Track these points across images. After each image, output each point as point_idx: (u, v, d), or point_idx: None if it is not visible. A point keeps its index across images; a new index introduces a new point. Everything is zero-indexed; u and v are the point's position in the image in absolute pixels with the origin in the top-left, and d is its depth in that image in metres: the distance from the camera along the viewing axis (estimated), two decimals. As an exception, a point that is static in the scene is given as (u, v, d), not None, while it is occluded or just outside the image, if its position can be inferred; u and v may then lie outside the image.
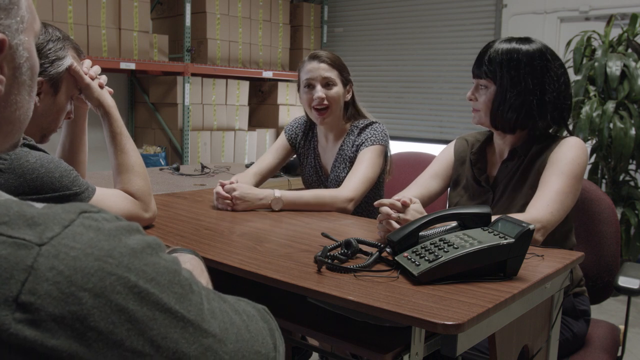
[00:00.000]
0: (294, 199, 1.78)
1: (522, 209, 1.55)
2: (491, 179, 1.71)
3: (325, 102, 1.98)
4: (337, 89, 1.99)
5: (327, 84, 1.98)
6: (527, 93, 1.58)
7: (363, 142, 1.98)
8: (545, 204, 1.49)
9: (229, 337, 0.55)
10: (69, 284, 0.46)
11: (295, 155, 2.24)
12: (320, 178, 2.15)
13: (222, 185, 1.78)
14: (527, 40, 1.62)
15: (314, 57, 2.01)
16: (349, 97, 2.05)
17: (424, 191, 1.77)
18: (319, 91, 1.97)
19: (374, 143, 1.97)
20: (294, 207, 1.78)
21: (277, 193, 1.77)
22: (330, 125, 2.07)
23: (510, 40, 1.63)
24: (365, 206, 2.07)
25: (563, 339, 1.54)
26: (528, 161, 1.63)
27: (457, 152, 1.81)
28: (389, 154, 2.07)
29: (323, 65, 1.98)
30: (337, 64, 2.01)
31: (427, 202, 1.78)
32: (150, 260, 0.51)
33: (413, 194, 1.66)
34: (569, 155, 1.55)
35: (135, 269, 0.49)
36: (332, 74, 1.98)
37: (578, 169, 1.55)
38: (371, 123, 2.04)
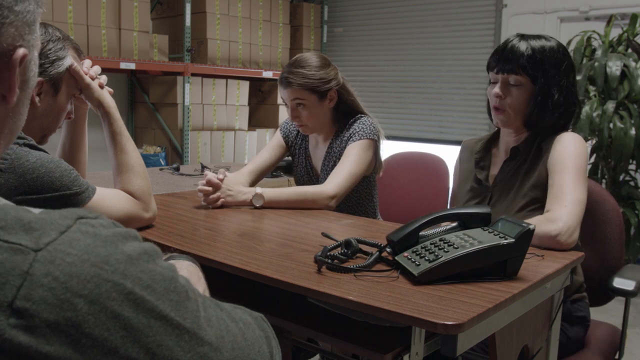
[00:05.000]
0: (275, 195, 1.77)
1: (522, 210, 1.54)
2: (491, 178, 1.69)
3: (301, 122, 1.97)
4: (310, 111, 1.94)
5: (299, 104, 1.94)
6: (567, 90, 1.55)
7: (350, 137, 1.94)
8: (562, 204, 1.44)
9: (225, 346, 0.55)
10: (64, 290, 0.45)
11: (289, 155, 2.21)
12: (311, 179, 2.12)
13: (208, 182, 1.76)
14: (542, 36, 1.59)
15: (281, 82, 1.95)
16: (332, 104, 1.98)
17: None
18: (293, 112, 1.96)
19: (362, 137, 1.92)
20: (275, 204, 1.77)
21: (259, 190, 1.76)
22: (319, 131, 2.05)
23: (538, 37, 1.58)
24: (356, 202, 2.05)
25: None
26: (530, 161, 1.60)
27: (462, 160, 1.81)
28: (379, 149, 2.00)
29: (289, 90, 1.93)
30: (306, 84, 1.92)
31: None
32: (146, 267, 0.50)
33: None
34: (569, 149, 1.53)
35: (131, 275, 0.49)
36: (302, 95, 1.92)
37: (580, 162, 1.52)
38: (359, 117, 1.99)
